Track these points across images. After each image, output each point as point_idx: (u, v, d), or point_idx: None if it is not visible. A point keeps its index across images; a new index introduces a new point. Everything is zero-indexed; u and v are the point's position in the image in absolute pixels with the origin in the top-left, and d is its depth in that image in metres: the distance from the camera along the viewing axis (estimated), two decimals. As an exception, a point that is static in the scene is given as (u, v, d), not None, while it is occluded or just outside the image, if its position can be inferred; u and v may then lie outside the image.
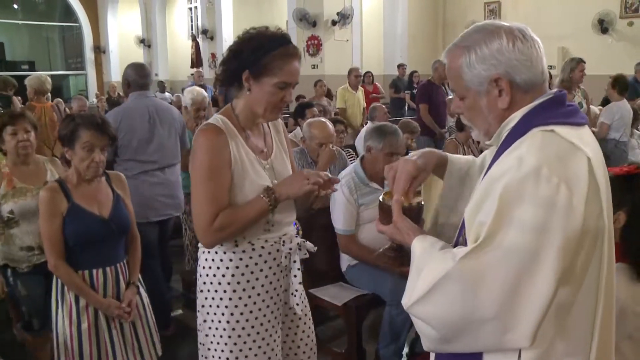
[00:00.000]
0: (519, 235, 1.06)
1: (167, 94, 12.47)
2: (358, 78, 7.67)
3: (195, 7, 17.79)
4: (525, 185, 1.07)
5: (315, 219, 3.18)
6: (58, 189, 2.26)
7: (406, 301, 1.20)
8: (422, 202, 1.36)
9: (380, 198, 1.37)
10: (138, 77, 3.41)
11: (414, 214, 1.32)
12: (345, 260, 3.13)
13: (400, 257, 1.38)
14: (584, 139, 1.16)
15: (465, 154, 4.68)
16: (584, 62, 5.31)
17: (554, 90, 1.23)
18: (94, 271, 2.29)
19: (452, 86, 1.29)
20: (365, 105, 7.73)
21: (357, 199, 3.00)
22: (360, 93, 7.71)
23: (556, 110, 1.18)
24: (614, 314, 1.22)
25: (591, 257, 1.12)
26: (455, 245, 1.29)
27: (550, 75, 8.10)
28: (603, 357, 1.17)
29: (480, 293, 1.08)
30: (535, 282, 1.06)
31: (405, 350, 3.09)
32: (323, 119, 3.58)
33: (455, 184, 1.48)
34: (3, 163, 2.71)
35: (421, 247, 1.22)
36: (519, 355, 1.12)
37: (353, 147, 5.41)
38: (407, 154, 5.59)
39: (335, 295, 3.07)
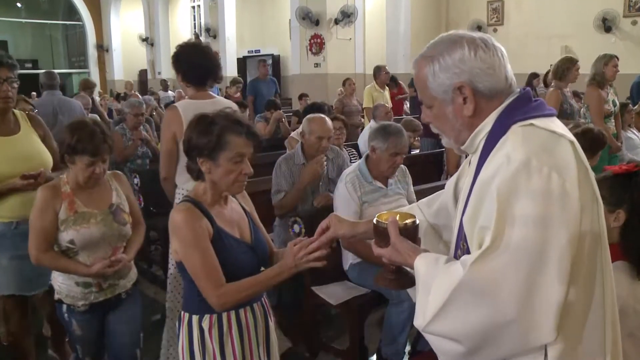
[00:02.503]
0: (523, 232, 1.06)
1: (169, 92, 12.46)
2: (388, 75, 7.56)
3: (198, 6, 17.82)
4: (518, 181, 1.08)
5: (317, 218, 3.19)
6: (194, 209, 1.76)
7: (420, 322, 1.17)
8: (417, 221, 1.35)
9: (374, 221, 1.35)
10: (48, 80, 5.12)
11: (411, 233, 1.31)
12: (348, 259, 3.14)
13: (400, 278, 1.35)
14: (560, 127, 1.19)
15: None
16: (617, 58, 4.99)
17: (517, 89, 1.26)
18: (241, 311, 1.83)
19: (420, 96, 1.32)
20: (392, 105, 7.59)
21: (360, 196, 3.01)
22: (387, 92, 7.65)
23: (527, 106, 1.21)
24: (614, 294, 1.22)
25: (596, 249, 1.14)
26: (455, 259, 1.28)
27: (547, 73, 7.67)
28: (616, 350, 1.20)
29: (497, 296, 1.07)
30: (548, 273, 1.06)
31: (408, 348, 3.11)
32: (322, 115, 3.59)
33: (432, 237, 1.54)
34: (64, 180, 2.25)
35: (425, 265, 1.21)
36: (545, 352, 1.11)
37: (356, 147, 5.42)
38: (410, 152, 5.60)
39: (336, 293, 3.08)
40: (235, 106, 2.96)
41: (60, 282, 2.28)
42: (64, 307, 2.28)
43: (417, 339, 3.12)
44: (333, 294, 3.08)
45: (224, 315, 1.80)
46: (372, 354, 3.15)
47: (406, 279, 1.30)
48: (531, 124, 1.16)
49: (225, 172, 1.73)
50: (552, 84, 5.23)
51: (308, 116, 3.52)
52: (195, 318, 1.81)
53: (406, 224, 1.31)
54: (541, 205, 1.06)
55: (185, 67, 2.84)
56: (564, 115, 4.79)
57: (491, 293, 1.08)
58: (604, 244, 1.17)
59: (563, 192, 1.07)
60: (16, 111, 2.73)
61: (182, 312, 1.87)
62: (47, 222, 2.19)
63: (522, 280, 1.06)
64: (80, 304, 2.26)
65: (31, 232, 2.21)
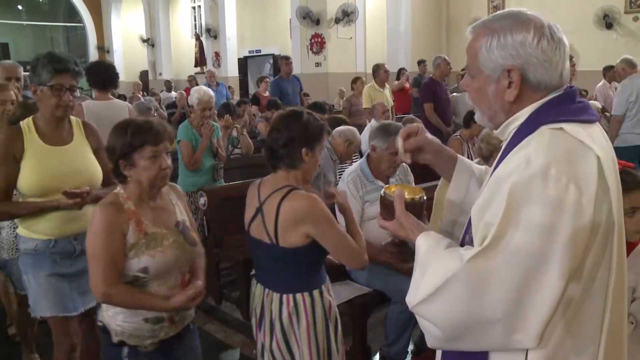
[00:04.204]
0: (526, 237, 1.04)
1: (172, 92, 12.45)
2: (387, 73, 7.32)
3: (199, 6, 17.83)
4: (533, 186, 1.05)
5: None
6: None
7: (410, 300, 1.19)
8: (424, 197, 1.34)
9: (382, 192, 1.34)
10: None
11: (417, 208, 1.30)
12: (350, 258, 3.14)
13: (402, 252, 1.36)
14: (594, 137, 1.13)
15: (470, 151, 4.68)
16: None
17: (565, 86, 1.20)
18: (314, 292, 2.09)
19: (467, 62, 1.26)
20: (393, 104, 7.40)
21: (362, 195, 3.02)
22: (387, 91, 7.33)
23: (566, 107, 1.16)
24: (626, 313, 1.20)
25: (601, 257, 1.11)
26: (461, 244, 1.28)
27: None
28: (612, 356, 1.16)
29: (487, 295, 1.07)
30: (543, 283, 1.05)
31: (411, 347, 3.10)
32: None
33: (463, 182, 1.46)
34: (123, 196, 1.86)
35: (426, 245, 1.21)
36: (526, 355, 1.11)
37: (357, 145, 5.41)
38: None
39: (338, 293, 3.07)
40: (125, 105, 4.01)
41: (122, 321, 1.85)
42: (125, 350, 1.85)
43: (421, 338, 3.12)
44: (335, 293, 3.06)
45: (327, 281, 2.14)
46: (375, 354, 3.15)
47: (409, 254, 1.29)
48: (561, 129, 1.11)
49: (316, 161, 2.05)
50: None
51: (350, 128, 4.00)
52: (316, 292, 2.06)
53: (413, 198, 1.30)
54: (551, 214, 1.04)
55: (92, 75, 3.85)
56: None
57: (482, 291, 1.07)
58: (616, 263, 1.13)
59: (577, 205, 1.04)
60: (72, 118, 2.49)
61: (299, 295, 2.02)
62: (115, 248, 1.78)
63: (515, 284, 1.06)
64: (148, 343, 1.87)
65: (95, 263, 1.79)
